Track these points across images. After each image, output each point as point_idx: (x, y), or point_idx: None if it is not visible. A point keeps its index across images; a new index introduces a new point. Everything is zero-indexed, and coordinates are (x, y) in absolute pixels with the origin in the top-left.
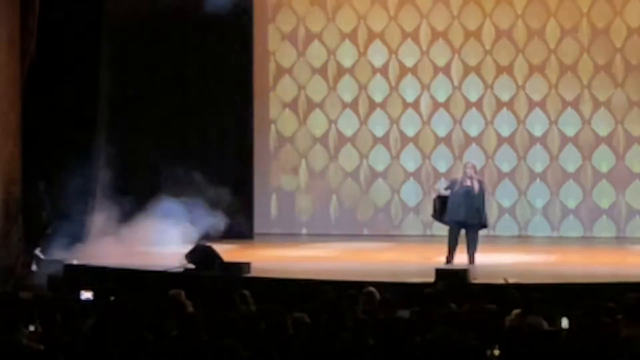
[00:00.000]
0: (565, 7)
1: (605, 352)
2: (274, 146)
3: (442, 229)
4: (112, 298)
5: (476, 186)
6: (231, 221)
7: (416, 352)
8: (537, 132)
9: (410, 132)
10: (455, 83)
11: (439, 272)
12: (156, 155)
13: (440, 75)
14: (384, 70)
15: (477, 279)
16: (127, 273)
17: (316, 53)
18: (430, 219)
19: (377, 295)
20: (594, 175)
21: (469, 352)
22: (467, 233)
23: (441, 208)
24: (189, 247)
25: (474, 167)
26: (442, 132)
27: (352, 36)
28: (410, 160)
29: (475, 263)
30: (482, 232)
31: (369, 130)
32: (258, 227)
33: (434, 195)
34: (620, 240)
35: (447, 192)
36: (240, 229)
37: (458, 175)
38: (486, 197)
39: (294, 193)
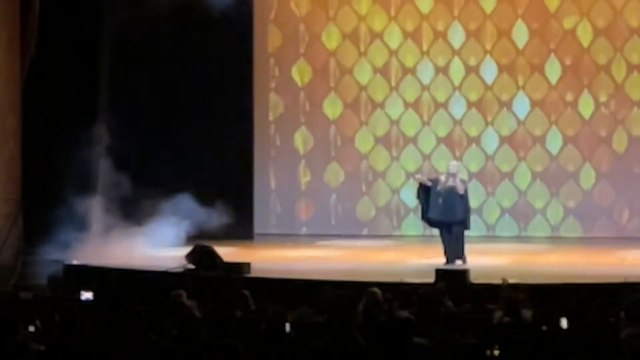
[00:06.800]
0: (566, 7)
1: (605, 352)
2: (274, 147)
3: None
4: (112, 298)
5: (459, 186)
6: (231, 221)
7: (416, 353)
8: (537, 131)
9: (410, 132)
10: (456, 83)
11: (439, 272)
12: (156, 156)
13: (441, 76)
14: (384, 71)
15: (477, 279)
16: (127, 273)
17: (318, 54)
18: None
19: (380, 295)
20: (594, 175)
21: (469, 352)
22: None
23: (423, 198)
24: (188, 248)
25: (458, 167)
26: (442, 132)
27: (352, 36)
28: (410, 160)
29: (467, 261)
30: (481, 232)
31: (370, 131)
32: (258, 227)
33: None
34: (620, 240)
35: (429, 183)
36: (240, 229)
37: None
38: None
39: (294, 193)
